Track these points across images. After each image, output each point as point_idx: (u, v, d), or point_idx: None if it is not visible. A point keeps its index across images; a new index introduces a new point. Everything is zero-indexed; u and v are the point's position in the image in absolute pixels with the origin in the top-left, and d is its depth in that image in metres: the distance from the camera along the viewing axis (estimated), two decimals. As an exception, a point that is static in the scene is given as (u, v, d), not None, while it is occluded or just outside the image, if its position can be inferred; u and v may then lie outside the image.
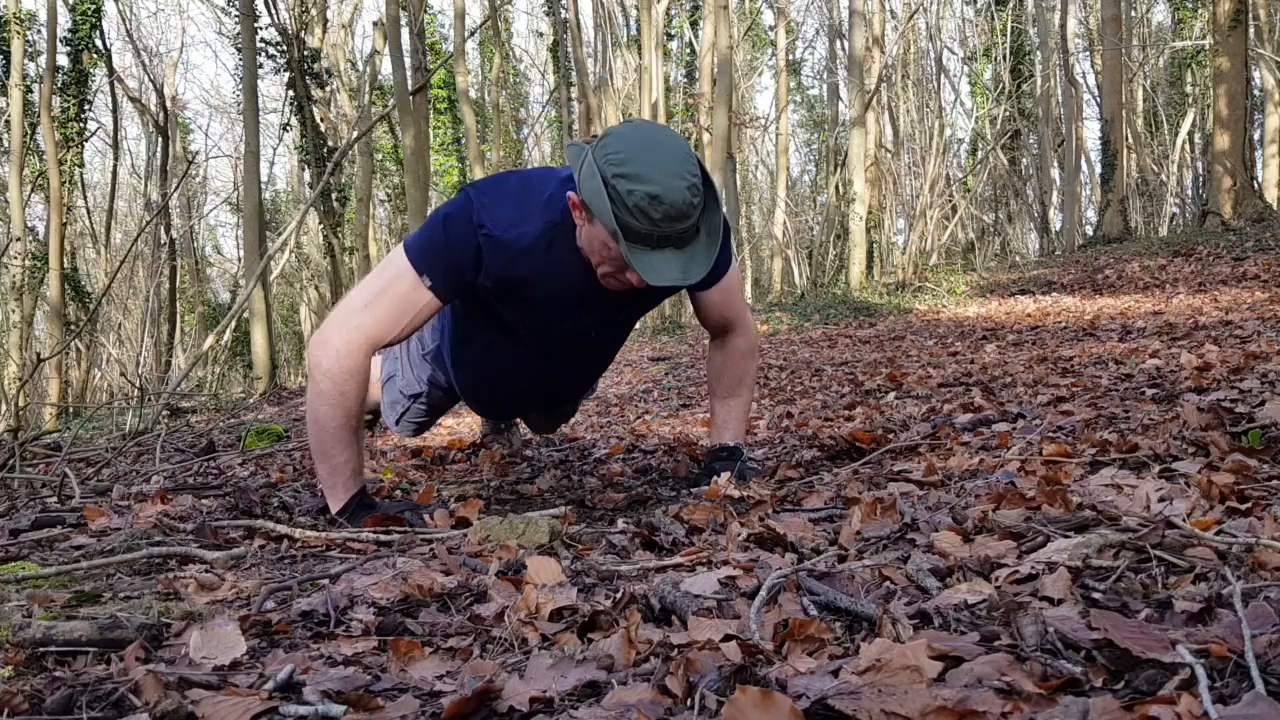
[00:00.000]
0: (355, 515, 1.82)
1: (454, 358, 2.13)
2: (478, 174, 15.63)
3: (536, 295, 1.87)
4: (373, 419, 2.94)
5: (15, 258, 14.66)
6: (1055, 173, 20.50)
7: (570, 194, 1.72)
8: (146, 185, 20.83)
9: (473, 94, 17.93)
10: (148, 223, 16.76)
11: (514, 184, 1.82)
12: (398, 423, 2.52)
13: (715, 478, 1.86)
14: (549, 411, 2.53)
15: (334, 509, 1.84)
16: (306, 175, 17.27)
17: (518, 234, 1.77)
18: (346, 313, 1.80)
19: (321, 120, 15.03)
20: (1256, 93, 15.57)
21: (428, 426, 2.63)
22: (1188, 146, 19.84)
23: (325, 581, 1.31)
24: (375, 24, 18.19)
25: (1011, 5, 16.96)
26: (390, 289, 1.78)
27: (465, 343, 2.08)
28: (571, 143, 1.74)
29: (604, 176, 1.61)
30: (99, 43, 15.79)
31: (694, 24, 18.95)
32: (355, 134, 14.06)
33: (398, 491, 2.34)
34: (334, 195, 14.69)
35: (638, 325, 13.43)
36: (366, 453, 2.90)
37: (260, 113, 13.21)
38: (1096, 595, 0.96)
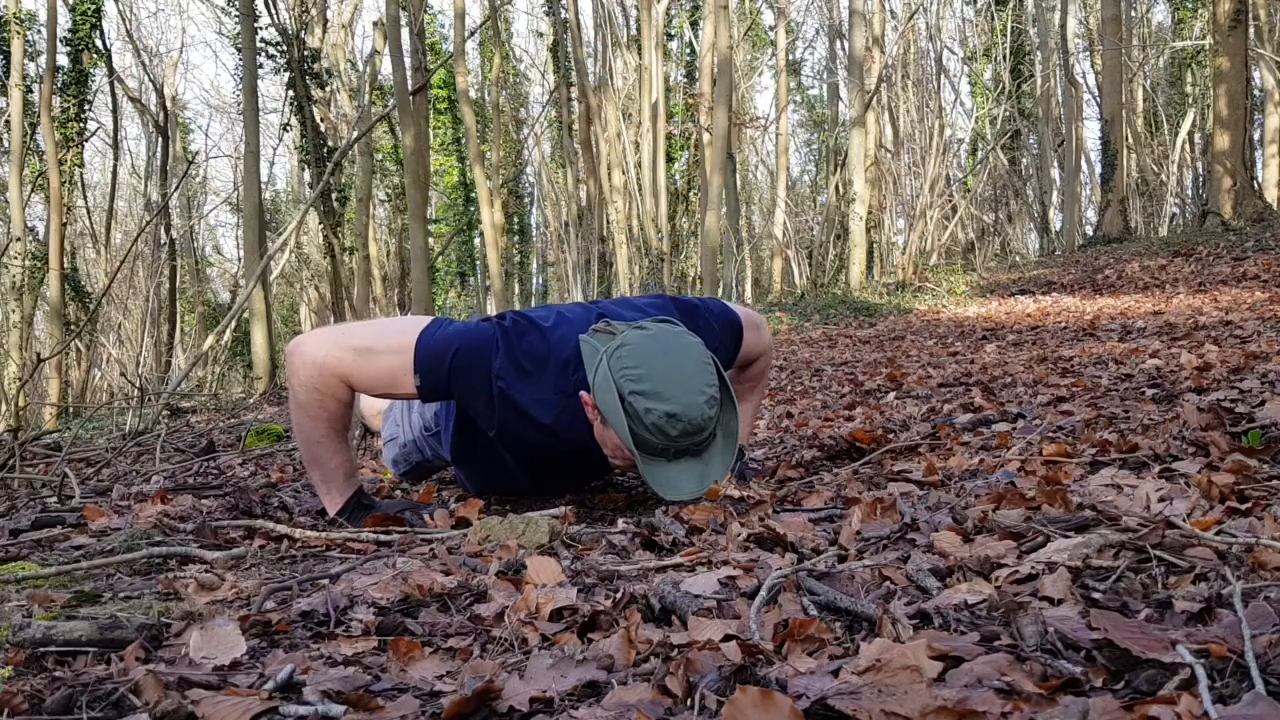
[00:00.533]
0: (354, 516, 1.82)
1: (454, 453, 2.11)
2: (478, 174, 15.63)
3: (538, 451, 1.90)
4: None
5: (15, 258, 14.66)
6: (1055, 173, 20.50)
7: (585, 395, 1.70)
8: (146, 185, 20.84)
9: (473, 94, 17.93)
10: (148, 223, 16.76)
11: (537, 342, 1.76)
12: (401, 474, 2.50)
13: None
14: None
15: (331, 512, 1.84)
16: (306, 175, 17.27)
17: (530, 400, 1.75)
18: (338, 339, 1.76)
19: (321, 120, 15.03)
20: (1256, 93, 15.57)
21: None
22: (1188, 146, 19.84)
23: (325, 581, 1.31)
24: (375, 24, 18.20)
25: (1011, 5, 16.96)
26: (385, 358, 1.74)
27: (466, 447, 2.06)
28: (586, 338, 1.71)
29: (621, 392, 1.60)
30: (99, 43, 15.79)
31: (694, 24, 18.95)
32: (355, 134, 14.06)
33: (398, 492, 2.34)
34: (334, 195, 14.68)
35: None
36: (368, 453, 2.90)
37: (260, 113, 13.21)
38: (1096, 595, 0.96)
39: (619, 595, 1.10)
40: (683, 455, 1.63)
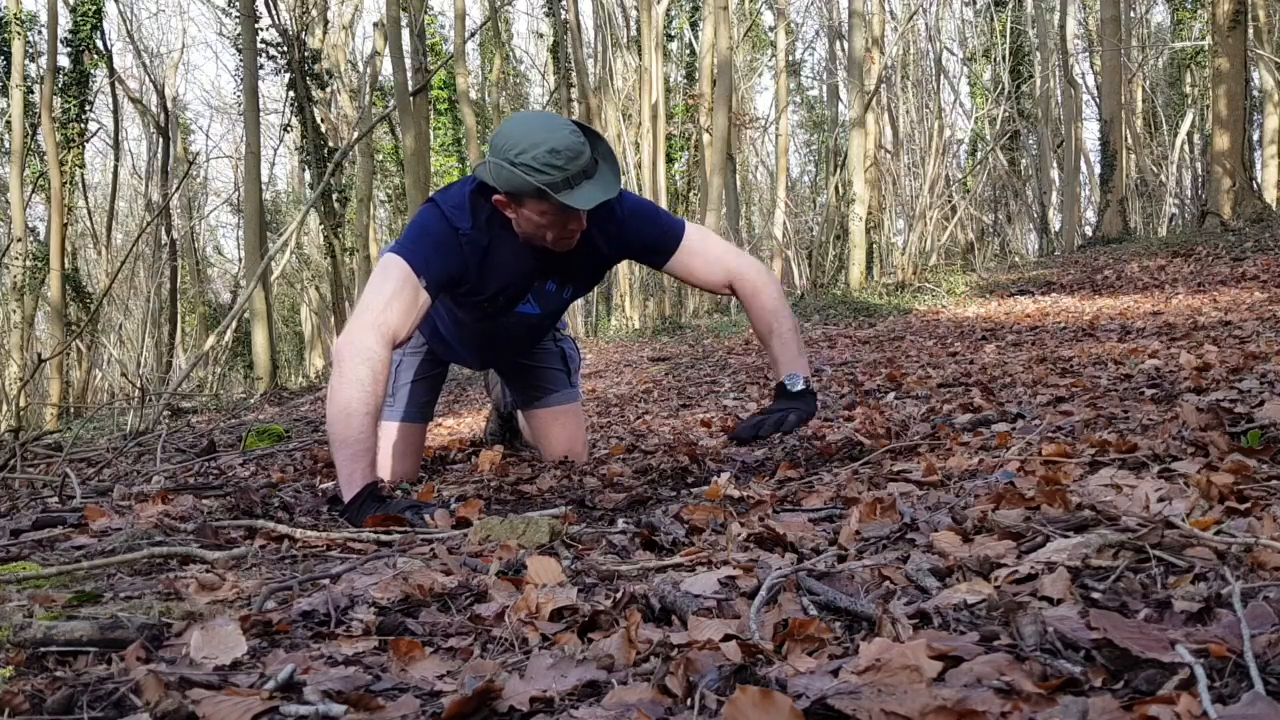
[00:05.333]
0: (365, 506, 1.86)
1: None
2: (478, 175, 15.60)
3: (494, 284, 2.19)
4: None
5: (16, 258, 14.66)
6: (1055, 173, 20.49)
7: (496, 197, 2.04)
8: (147, 186, 20.82)
9: (473, 95, 17.92)
10: (149, 223, 16.76)
11: (458, 191, 2.14)
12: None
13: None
14: (514, 373, 2.75)
15: (347, 497, 1.89)
16: (307, 176, 17.26)
17: (479, 226, 2.11)
18: (370, 315, 1.99)
19: (322, 121, 15.02)
20: (1256, 93, 15.57)
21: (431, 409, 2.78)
22: (1187, 147, 19.82)
23: (326, 581, 1.31)
24: (376, 25, 18.19)
25: (1011, 6, 16.96)
26: (400, 292, 2.01)
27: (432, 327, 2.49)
28: (480, 164, 2.04)
29: (510, 162, 1.94)
30: (100, 43, 15.78)
31: (694, 25, 18.94)
32: (356, 135, 14.06)
33: (398, 492, 2.34)
34: (334, 196, 14.67)
35: (637, 325, 13.20)
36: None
37: (261, 113, 13.20)
38: (1096, 595, 0.96)
39: (619, 595, 1.10)
40: (580, 180, 1.95)
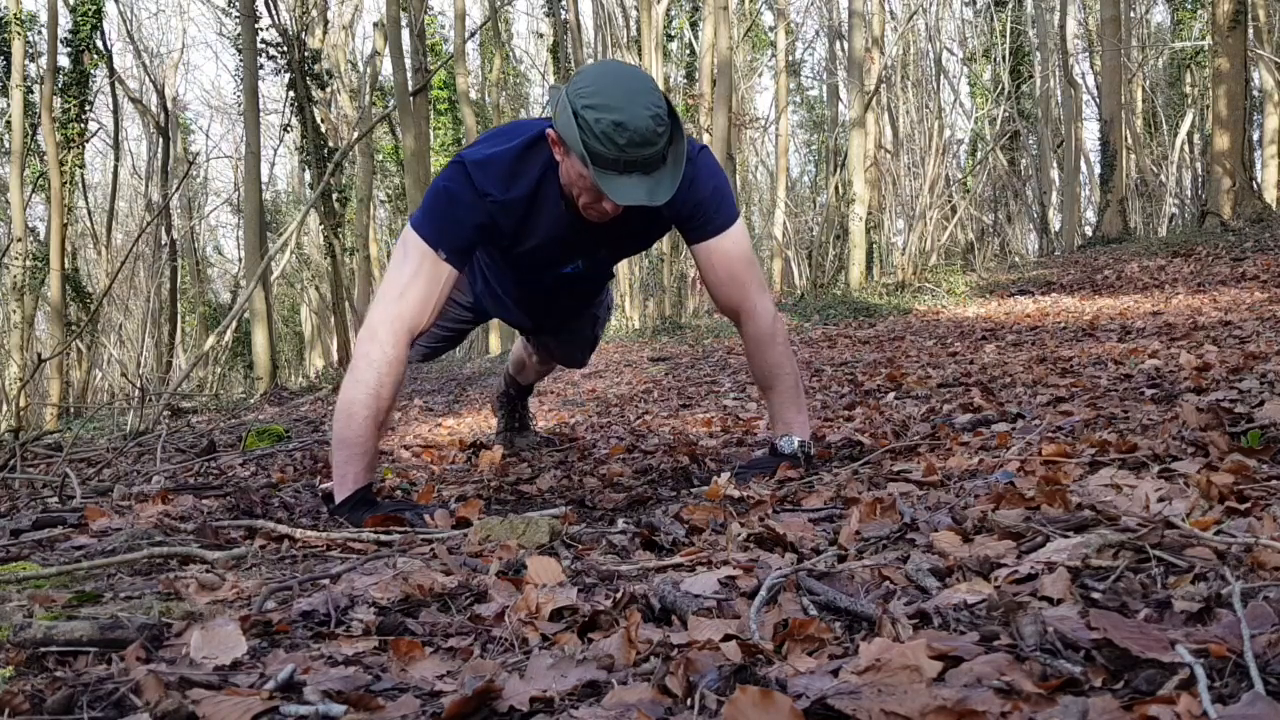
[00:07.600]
0: (355, 509, 1.85)
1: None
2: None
3: (533, 243, 2.01)
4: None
5: (16, 258, 14.66)
6: (1055, 173, 20.49)
7: (549, 131, 1.83)
8: (147, 186, 20.83)
9: (473, 95, 17.92)
10: (148, 223, 16.76)
11: (492, 141, 1.95)
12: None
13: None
14: (562, 334, 2.61)
15: (338, 498, 1.88)
16: (307, 176, 17.26)
17: (519, 189, 1.90)
18: (386, 304, 1.90)
19: (322, 121, 15.02)
20: (1256, 93, 15.57)
21: (440, 352, 2.68)
22: (1187, 147, 19.82)
23: (326, 581, 1.31)
24: (376, 25, 18.20)
25: (1011, 6, 16.96)
26: (418, 274, 1.89)
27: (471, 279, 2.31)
28: (553, 85, 1.86)
29: (574, 109, 1.72)
30: (100, 43, 15.77)
31: (694, 25, 18.94)
32: (356, 135, 14.07)
33: (398, 491, 2.34)
34: (334, 196, 14.65)
35: (637, 325, 13.17)
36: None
37: (261, 113, 13.20)
38: (1096, 595, 0.96)
39: (619, 595, 1.10)
40: (633, 169, 1.72)
